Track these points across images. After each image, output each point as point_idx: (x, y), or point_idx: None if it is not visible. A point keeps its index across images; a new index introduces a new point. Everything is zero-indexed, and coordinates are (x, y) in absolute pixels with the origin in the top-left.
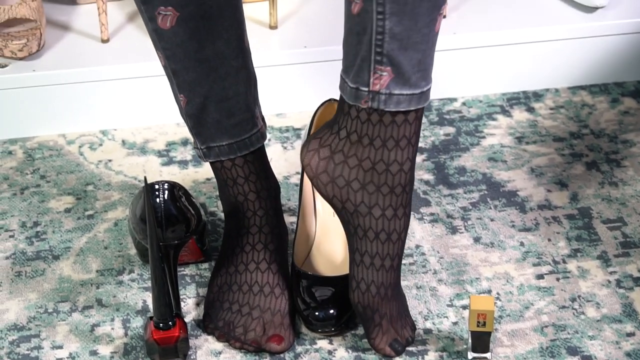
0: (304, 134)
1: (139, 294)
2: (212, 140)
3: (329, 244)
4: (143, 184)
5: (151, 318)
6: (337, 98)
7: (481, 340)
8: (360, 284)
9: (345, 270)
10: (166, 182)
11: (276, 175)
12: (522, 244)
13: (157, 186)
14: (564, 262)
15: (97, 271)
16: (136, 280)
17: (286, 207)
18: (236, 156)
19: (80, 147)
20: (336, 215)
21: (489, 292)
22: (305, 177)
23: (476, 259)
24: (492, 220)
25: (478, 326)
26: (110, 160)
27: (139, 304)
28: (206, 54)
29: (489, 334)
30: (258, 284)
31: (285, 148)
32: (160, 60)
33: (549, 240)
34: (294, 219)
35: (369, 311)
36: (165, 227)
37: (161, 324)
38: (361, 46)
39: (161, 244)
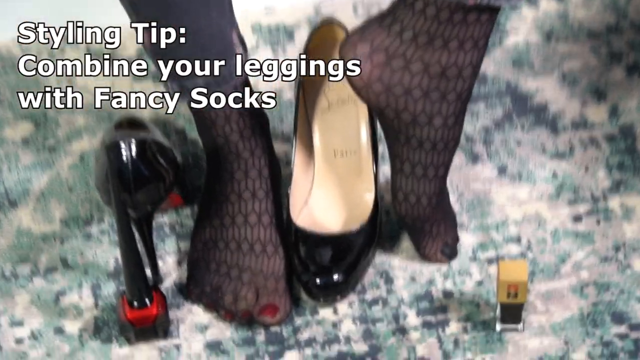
0: (296, 65)
1: (110, 250)
2: (183, 79)
3: (329, 189)
4: (114, 116)
5: (124, 293)
6: (337, 18)
7: (512, 311)
8: (409, 197)
9: (351, 225)
10: (133, 137)
11: None
12: (554, 174)
13: (122, 144)
14: (605, 198)
15: (61, 221)
16: (106, 233)
17: (278, 132)
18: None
19: (37, 56)
20: (338, 156)
21: (518, 239)
22: (301, 102)
23: (502, 195)
24: (519, 143)
25: (508, 298)
26: (74, 65)
27: (110, 263)
28: None
29: (521, 305)
30: (247, 241)
31: (275, 52)
32: None
33: (586, 169)
34: (288, 147)
35: (418, 222)
36: (135, 190)
37: (135, 302)
38: None
39: (131, 211)
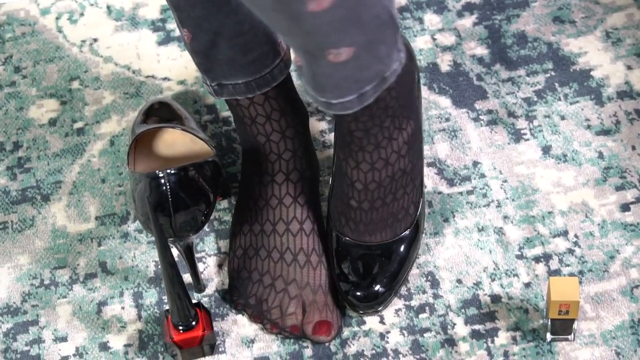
0: None
1: (148, 252)
2: (224, 77)
3: None
4: (141, 90)
5: (168, 312)
6: None
7: (563, 325)
8: None
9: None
10: (174, 169)
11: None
12: (600, 155)
13: (161, 174)
14: None
15: (96, 218)
16: (143, 231)
17: (313, 110)
18: (255, 94)
19: (57, 18)
20: None
21: (565, 233)
22: None
23: (547, 181)
24: (562, 118)
25: (560, 315)
26: (95, 40)
27: (150, 268)
28: None
29: (572, 320)
30: (290, 251)
31: None
32: None
33: (633, 148)
34: (331, 137)
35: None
36: (175, 221)
37: (181, 327)
38: None
39: (172, 239)
